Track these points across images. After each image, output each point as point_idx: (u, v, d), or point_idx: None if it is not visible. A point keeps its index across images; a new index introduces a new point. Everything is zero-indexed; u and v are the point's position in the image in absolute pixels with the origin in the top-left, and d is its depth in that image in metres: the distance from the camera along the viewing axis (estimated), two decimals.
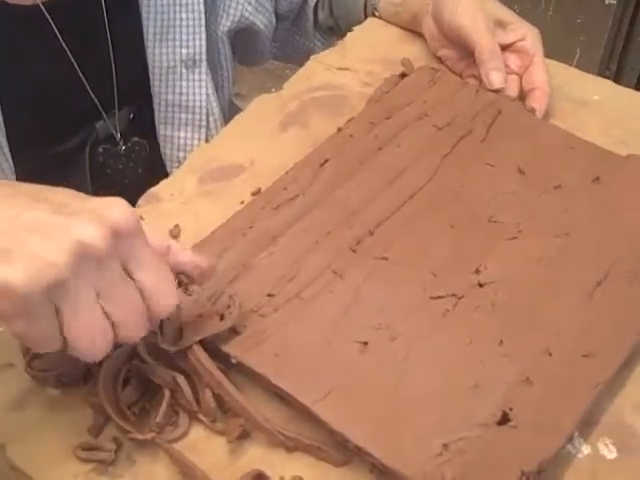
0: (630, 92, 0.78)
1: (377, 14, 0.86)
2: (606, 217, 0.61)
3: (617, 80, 1.67)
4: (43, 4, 0.73)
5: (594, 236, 0.60)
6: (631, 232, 0.60)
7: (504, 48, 0.74)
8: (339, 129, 0.69)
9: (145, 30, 0.79)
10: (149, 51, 0.80)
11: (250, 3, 0.86)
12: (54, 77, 0.77)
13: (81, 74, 0.77)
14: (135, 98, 0.83)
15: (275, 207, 0.61)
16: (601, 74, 1.67)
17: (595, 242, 0.59)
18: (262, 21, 0.89)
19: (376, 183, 0.63)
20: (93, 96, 0.79)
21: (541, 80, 0.73)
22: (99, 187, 0.83)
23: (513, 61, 0.75)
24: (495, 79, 0.72)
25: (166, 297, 0.47)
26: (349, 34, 0.85)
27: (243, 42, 0.92)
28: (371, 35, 0.85)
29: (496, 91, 0.72)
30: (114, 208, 0.44)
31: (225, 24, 0.85)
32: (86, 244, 0.43)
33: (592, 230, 0.60)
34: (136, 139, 0.85)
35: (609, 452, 0.51)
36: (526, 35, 0.74)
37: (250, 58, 0.98)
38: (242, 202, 0.64)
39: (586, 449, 0.51)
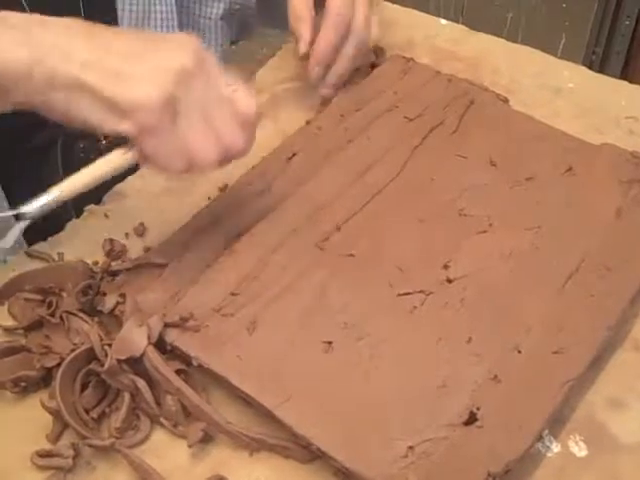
0: (605, 79, 0.76)
1: None
2: (578, 209, 0.60)
3: (602, 66, 1.66)
4: None
5: (566, 229, 0.59)
6: (603, 224, 0.59)
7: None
8: (307, 122, 0.67)
9: (120, 22, 0.77)
10: None
11: None
12: None
13: None
14: None
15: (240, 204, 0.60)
16: (587, 59, 1.65)
17: (567, 235, 0.58)
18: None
19: (344, 177, 0.62)
20: None
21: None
22: None
23: None
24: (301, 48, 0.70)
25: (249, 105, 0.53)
26: None
27: (239, 21, 0.91)
28: None
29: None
30: (194, 40, 0.51)
31: (219, 7, 0.83)
32: (184, 66, 0.49)
33: (564, 223, 0.59)
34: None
35: (579, 450, 0.50)
36: None
37: (243, 34, 0.97)
38: (209, 198, 0.63)
39: (556, 447, 0.50)
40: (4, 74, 0.48)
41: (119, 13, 0.77)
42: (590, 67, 0.79)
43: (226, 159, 0.52)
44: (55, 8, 0.74)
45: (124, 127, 0.49)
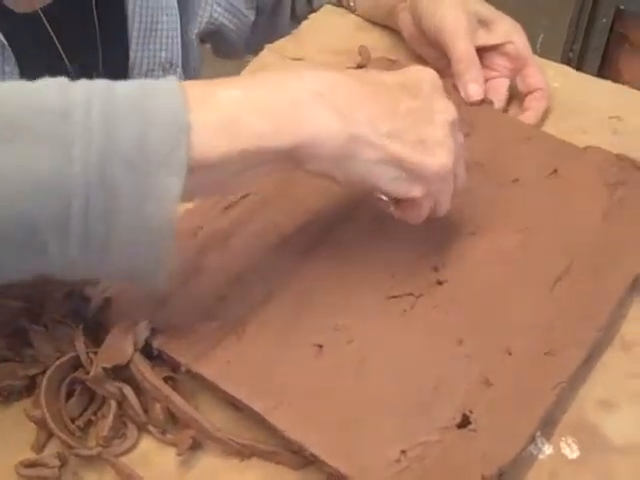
0: (589, 78, 0.77)
1: (352, 5, 0.83)
2: (565, 211, 0.60)
3: (580, 64, 1.66)
4: (41, 10, 0.73)
5: (553, 230, 0.58)
6: (589, 225, 0.59)
7: (489, 50, 0.71)
8: None
9: (130, 33, 0.78)
10: (132, 55, 0.80)
11: (219, 4, 0.85)
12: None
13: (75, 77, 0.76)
14: None
15: (226, 207, 0.59)
16: (564, 56, 1.66)
17: (554, 236, 0.58)
18: (232, 21, 0.88)
19: None
20: None
21: (540, 80, 0.71)
22: None
23: (502, 64, 0.72)
24: (472, 91, 0.69)
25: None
26: (304, 22, 0.83)
27: (215, 41, 0.93)
28: (327, 23, 0.83)
29: (477, 102, 0.69)
30: (436, 75, 0.52)
31: (195, 25, 0.85)
32: (454, 120, 0.51)
33: (551, 224, 0.59)
34: None
35: (571, 452, 0.50)
36: (512, 35, 0.71)
37: (226, 53, 0.98)
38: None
39: (548, 449, 0.50)
40: (316, 146, 0.46)
41: (129, 25, 0.78)
42: (568, 64, 0.79)
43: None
44: (72, 19, 0.75)
45: (415, 192, 0.50)
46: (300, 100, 0.46)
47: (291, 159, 0.47)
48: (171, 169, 0.42)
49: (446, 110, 0.51)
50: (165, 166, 0.42)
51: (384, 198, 0.52)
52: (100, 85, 0.43)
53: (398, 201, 0.52)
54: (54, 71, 0.75)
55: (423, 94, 0.51)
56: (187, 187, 0.43)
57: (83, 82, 0.44)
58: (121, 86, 0.44)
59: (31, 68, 0.73)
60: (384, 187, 0.49)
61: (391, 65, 0.71)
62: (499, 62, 0.72)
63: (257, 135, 0.45)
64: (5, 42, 0.70)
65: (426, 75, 0.52)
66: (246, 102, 0.45)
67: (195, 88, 0.45)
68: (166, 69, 0.82)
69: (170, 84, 0.44)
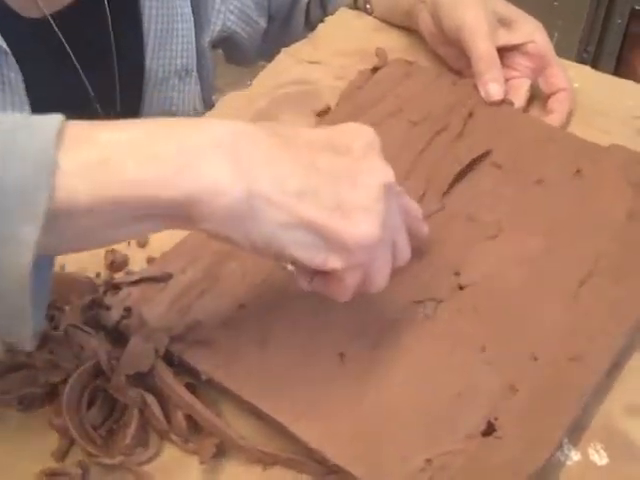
0: (610, 78, 0.76)
1: (369, 7, 0.83)
2: (589, 211, 0.59)
3: (595, 64, 1.65)
4: (51, 16, 0.72)
5: (577, 232, 0.58)
6: (615, 226, 0.58)
7: (510, 49, 0.71)
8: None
9: (145, 41, 0.79)
10: (147, 62, 0.80)
11: (232, 12, 0.85)
12: (60, 89, 0.76)
13: (88, 85, 0.77)
14: (132, 111, 0.82)
15: None
16: (579, 58, 1.65)
17: (579, 238, 0.57)
18: (245, 29, 0.88)
19: None
20: (99, 108, 0.78)
21: (564, 81, 0.70)
22: None
23: (524, 64, 0.71)
24: (492, 91, 0.68)
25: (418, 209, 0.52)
26: (320, 25, 0.82)
27: (227, 47, 0.93)
28: (344, 26, 0.82)
29: (497, 102, 0.68)
30: (372, 133, 0.46)
31: (209, 33, 0.85)
32: (388, 184, 0.44)
33: (575, 226, 0.58)
34: None
35: (600, 458, 0.49)
36: (534, 35, 0.70)
37: (237, 60, 0.98)
38: None
39: (576, 455, 0.49)
40: (205, 203, 0.40)
41: (144, 33, 0.78)
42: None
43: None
44: (85, 28, 0.75)
45: (333, 264, 0.43)
46: (191, 148, 0.40)
47: (181, 215, 0.41)
48: (28, 212, 0.36)
49: (378, 172, 0.44)
50: (21, 208, 0.36)
51: (289, 267, 0.45)
52: None
53: (317, 273, 0.45)
54: (67, 79, 0.75)
55: (352, 153, 0.44)
56: (49, 235, 0.37)
57: None
58: None
59: (40, 76, 0.73)
60: (295, 255, 0.42)
61: (409, 66, 0.71)
62: (520, 62, 0.71)
63: (134, 183, 0.39)
64: (7, 48, 0.69)
65: (361, 133, 0.46)
66: (128, 145, 0.39)
67: (77, 127, 0.39)
68: (182, 76, 0.82)
69: (50, 120, 0.38)
